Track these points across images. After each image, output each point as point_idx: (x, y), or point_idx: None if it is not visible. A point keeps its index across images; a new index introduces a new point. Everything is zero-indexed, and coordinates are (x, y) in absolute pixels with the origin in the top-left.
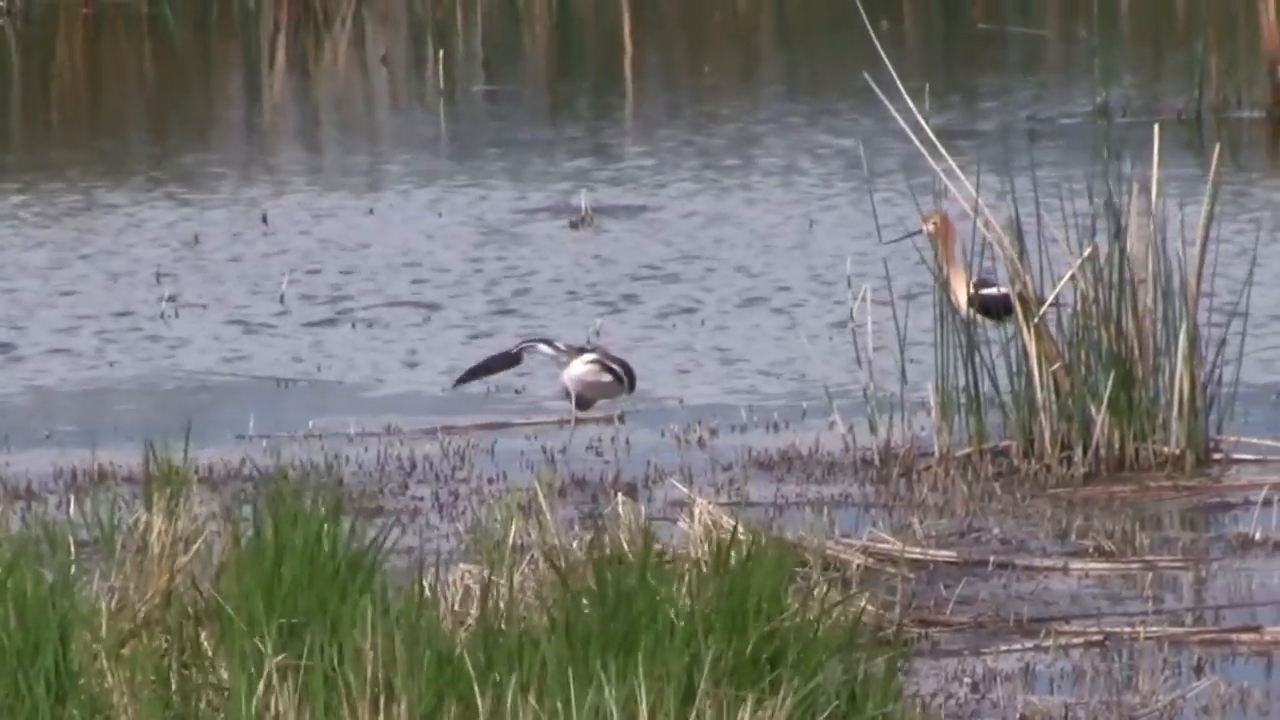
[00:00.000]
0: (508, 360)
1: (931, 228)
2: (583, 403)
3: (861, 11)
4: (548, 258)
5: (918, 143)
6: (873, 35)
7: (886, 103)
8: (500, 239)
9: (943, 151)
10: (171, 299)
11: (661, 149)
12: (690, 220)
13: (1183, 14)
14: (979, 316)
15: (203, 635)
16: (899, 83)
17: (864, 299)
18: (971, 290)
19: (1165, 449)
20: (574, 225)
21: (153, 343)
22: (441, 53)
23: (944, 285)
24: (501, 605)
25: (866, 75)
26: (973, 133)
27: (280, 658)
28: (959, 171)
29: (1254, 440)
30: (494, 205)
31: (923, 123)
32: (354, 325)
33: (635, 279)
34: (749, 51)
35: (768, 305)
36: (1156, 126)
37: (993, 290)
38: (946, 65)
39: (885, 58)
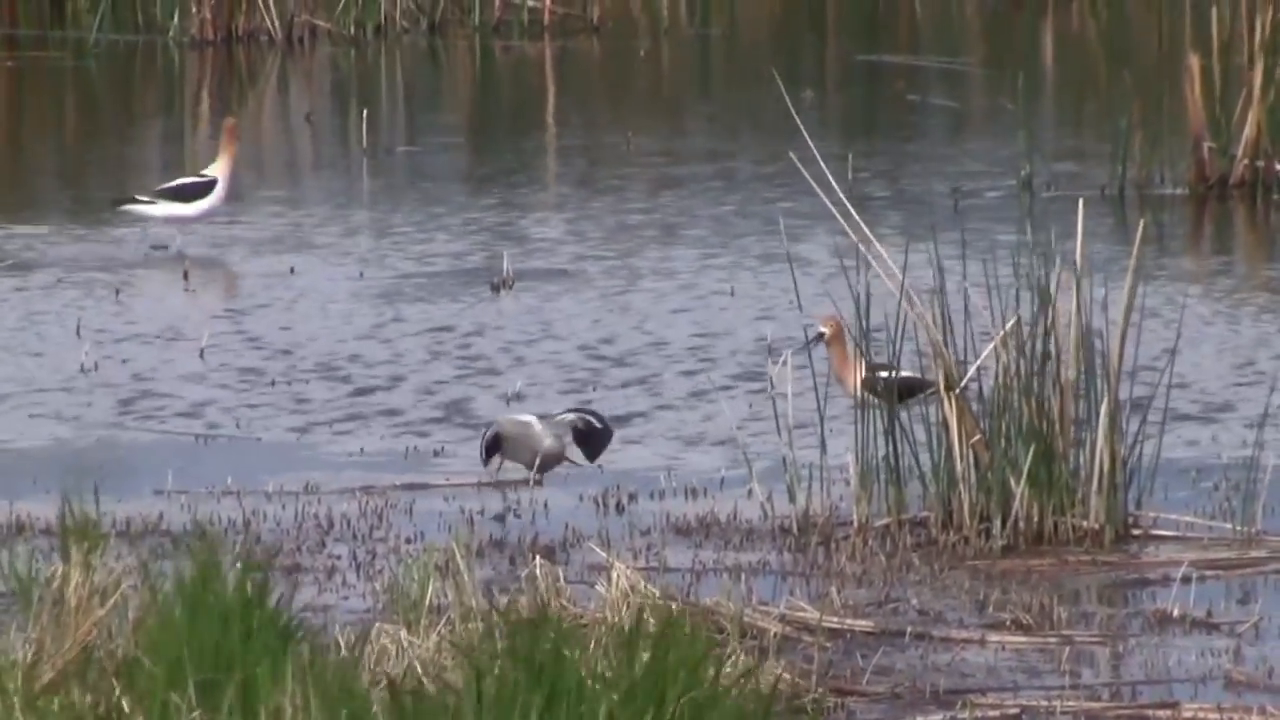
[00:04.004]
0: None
1: (827, 330)
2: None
3: (780, 83)
4: (469, 320)
5: (838, 216)
6: (790, 107)
7: (807, 177)
8: (421, 300)
9: (862, 225)
10: (91, 351)
11: (584, 213)
12: (611, 285)
13: (1107, 89)
14: (874, 399)
15: (120, 690)
16: (816, 153)
17: (784, 366)
18: (864, 375)
19: (1084, 523)
20: (495, 288)
21: (72, 395)
22: (365, 111)
23: (839, 382)
24: (418, 665)
25: (791, 155)
26: (896, 204)
27: (197, 714)
28: (878, 245)
29: (1173, 516)
30: (416, 266)
31: (842, 197)
32: (273, 383)
33: (555, 343)
34: (673, 116)
35: (687, 371)
36: (1080, 201)
37: (886, 374)
38: (871, 135)
39: (804, 128)
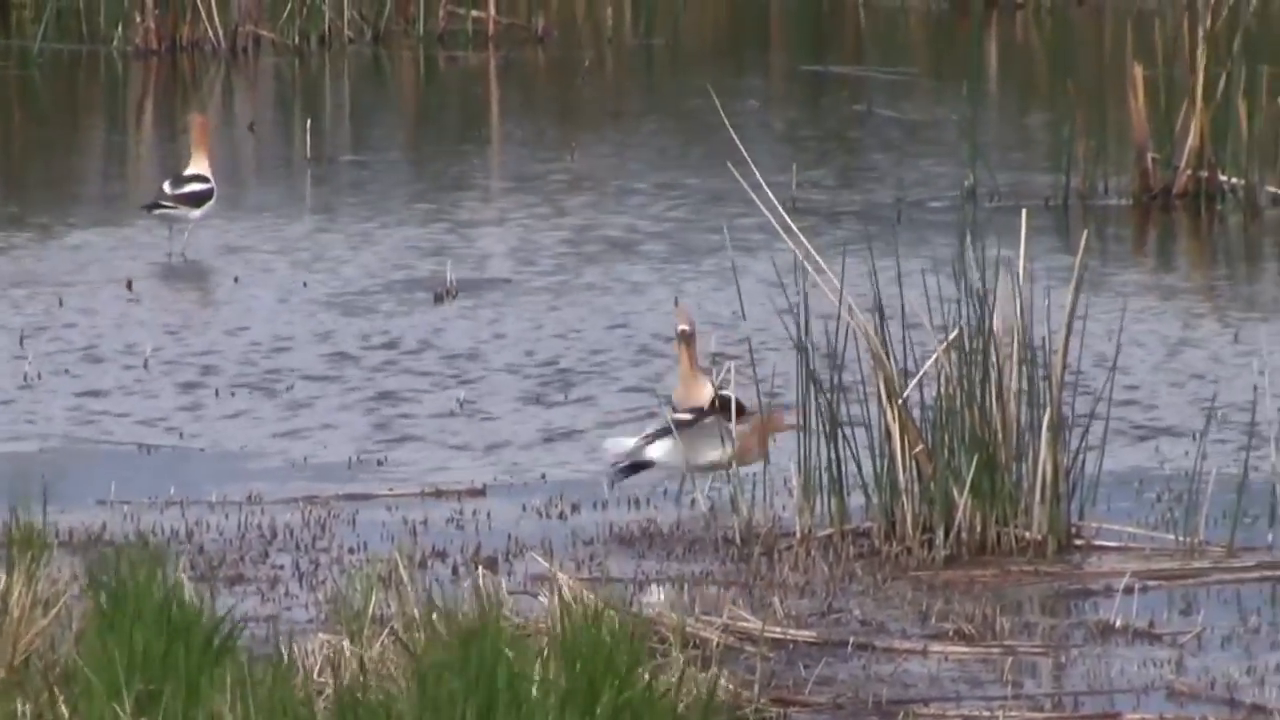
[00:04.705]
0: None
1: (684, 327)
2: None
3: (715, 99)
4: (411, 330)
5: (778, 227)
6: (725, 120)
7: (746, 188)
8: (365, 310)
9: (800, 236)
10: (34, 362)
11: (527, 223)
12: (554, 296)
13: (1051, 99)
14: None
15: (61, 699)
16: (751, 164)
17: (727, 377)
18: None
19: (1027, 534)
20: (438, 298)
21: (14, 406)
22: (309, 121)
23: (686, 389)
24: (361, 676)
25: (730, 166)
26: (840, 214)
27: None
28: (816, 255)
29: (1116, 527)
30: (358, 276)
31: (778, 206)
32: (217, 393)
33: (498, 353)
34: (617, 127)
35: (630, 380)
36: (1024, 212)
37: (727, 393)
38: (815, 146)
39: (748, 138)
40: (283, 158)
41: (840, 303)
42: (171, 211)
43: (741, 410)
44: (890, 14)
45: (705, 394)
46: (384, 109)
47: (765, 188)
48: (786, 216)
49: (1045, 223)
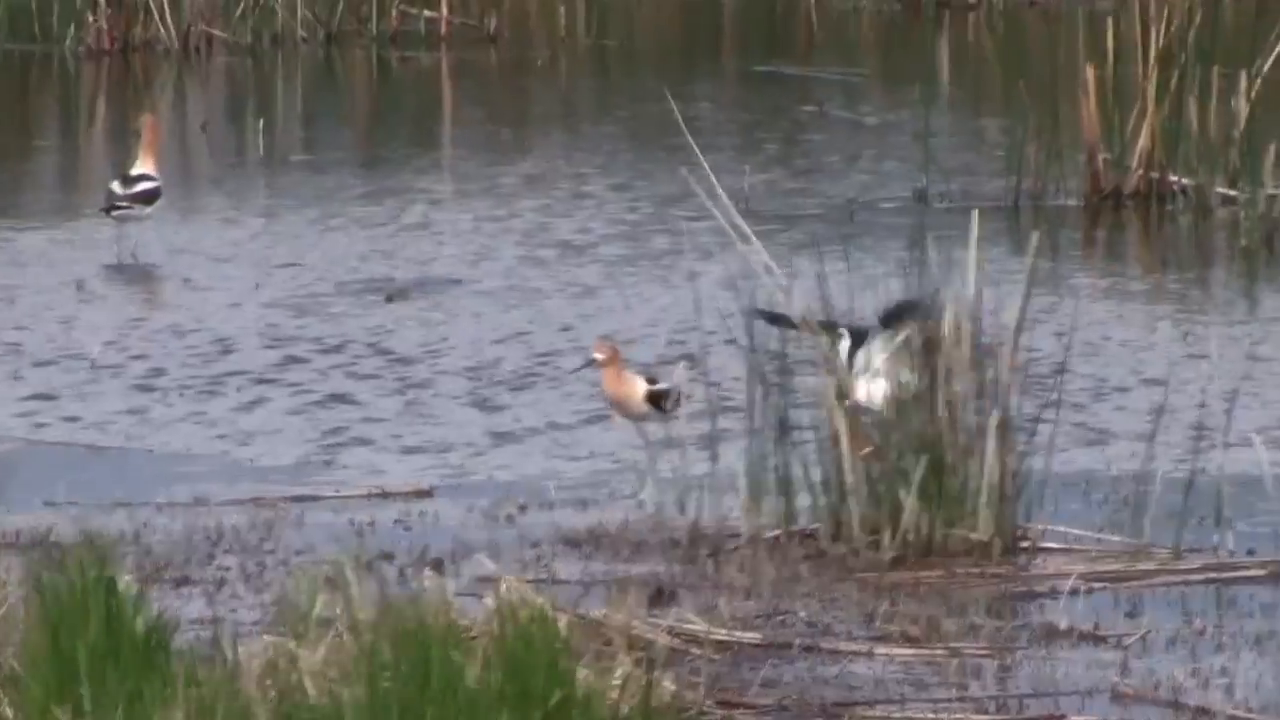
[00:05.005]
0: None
1: (601, 357)
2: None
3: (671, 101)
4: (361, 331)
5: (729, 229)
6: (680, 121)
7: (698, 190)
8: (316, 310)
9: (750, 236)
10: None
11: (478, 224)
12: (505, 297)
13: (1003, 101)
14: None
15: (5, 701)
16: (705, 165)
17: (679, 374)
18: (646, 390)
19: (973, 535)
20: (389, 299)
21: None
22: (262, 121)
23: (614, 399)
24: (306, 678)
25: (684, 168)
26: (792, 215)
27: None
28: (765, 255)
29: (1062, 529)
30: (309, 277)
31: (733, 212)
32: (165, 394)
33: (449, 353)
34: (571, 127)
35: (580, 382)
36: (975, 213)
37: (662, 385)
38: (767, 147)
39: (701, 138)
40: (235, 158)
41: (790, 303)
42: (129, 211)
43: (679, 399)
44: (842, 15)
45: (636, 391)
46: (337, 109)
47: (719, 190)
48: (739, 218)
49: (996, 224)
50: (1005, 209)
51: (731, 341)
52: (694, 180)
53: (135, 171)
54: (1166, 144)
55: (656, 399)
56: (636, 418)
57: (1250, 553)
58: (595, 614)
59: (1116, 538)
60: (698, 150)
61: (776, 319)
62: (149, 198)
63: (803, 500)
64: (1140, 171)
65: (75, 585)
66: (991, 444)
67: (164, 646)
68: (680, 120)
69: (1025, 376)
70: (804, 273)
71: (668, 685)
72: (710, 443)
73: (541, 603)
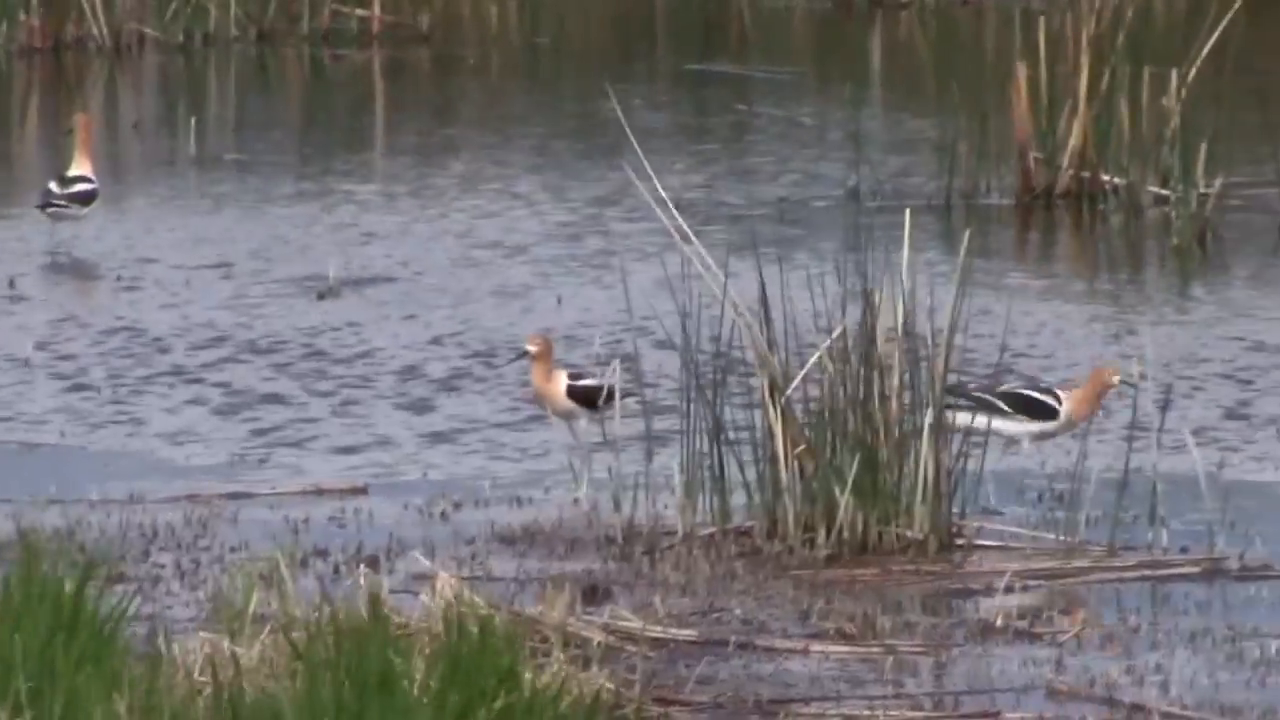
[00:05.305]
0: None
1: (534, 349)
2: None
3: (613, 97)
4: (295, 329)
5: (668, 225)
6: (621, 116)
7: (638, 184)
8: (248, 308)
9: (689, 233)
10: None
11: (411, 223)
12: (438, 295)
13: (935, 100)
14: (580, 408)
15: None
16: (645, 161)
17: (612, 372)
18: (567, 385)
19: (909, 533)
20: (321, 296)
21: None
22: (194, 119)
23: (540, 395)
24: (241, 674)
25: (625, 165)
26: (724, 213)
27: None
28: (704, 253)
29: (997, 526)
30: (242, 274)
31: (674, 212)
32: (99, 392)
33: (381, 352)
34: (504, 126)
35: (512, 377)
36: (907, 211)
37: (586, 382)
38: (700, 145)
39: (634, 137)
40: (167, 156)
41: (723, 302)
42: (64, 210)
43: (611, 396)
44: (775, 13)
45: (559, 388)
46: (269, 107)
47: (657, 185)
48: (678, 216)
49: (929, 222)
50: (937, 208)
51: (666, 342)
52: (636, 179)
53: (73, 173)
54: (1098, 143)
55: (580, 395)
56: (563, 414)
57: (1184, 550)
58: (531, 611)
59: (1051, 535)
60: (640, 151)
61: (973, 398)
62: (86, 199)
63: (738, 498)
64: (1072, 170)
65: (12, 582)
66: (926, 441)
67: (108, 645)
68: (623, 118)
69: (959, 374)
70: (737, 272)
71: (604, 683)
72: (646, 441)
73: (494, 609)
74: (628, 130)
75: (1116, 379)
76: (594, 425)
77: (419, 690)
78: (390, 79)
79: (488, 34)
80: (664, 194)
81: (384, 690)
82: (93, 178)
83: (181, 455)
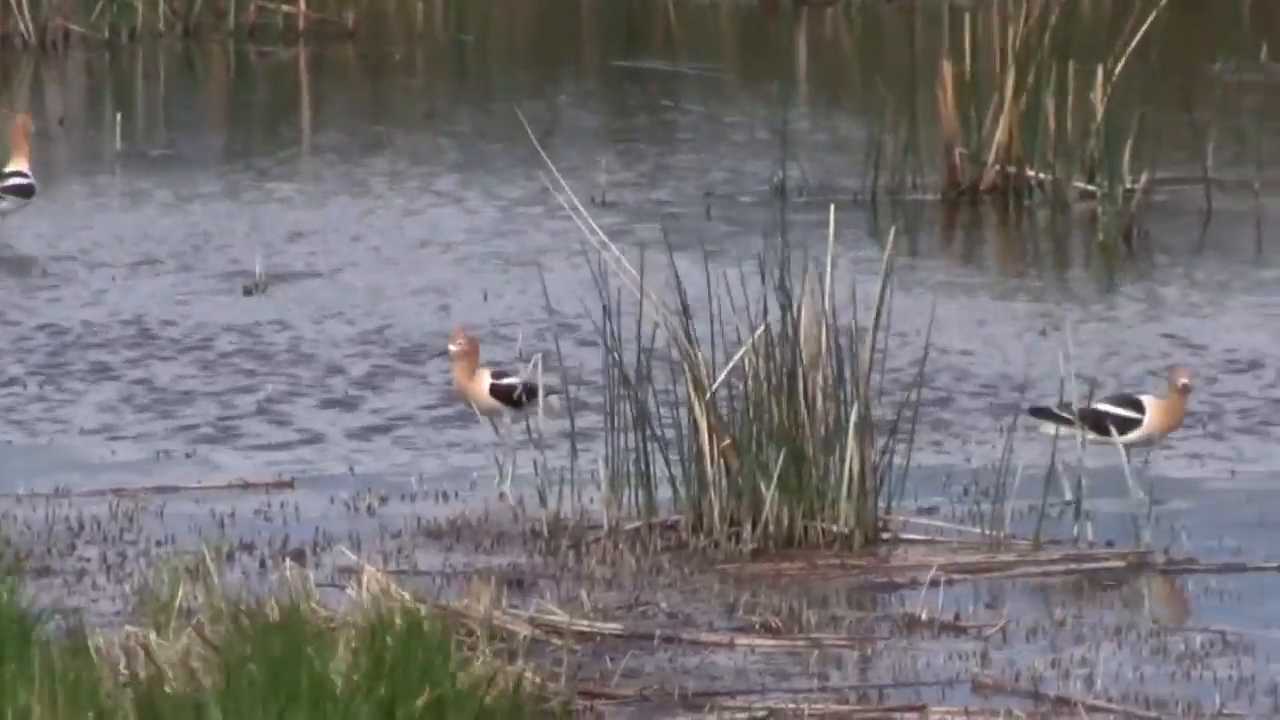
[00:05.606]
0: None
1: (455, 347)
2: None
3: (521, 118)
4: (221, 323)
5: (582, 225)
6: (521, 118)
7: (560, 179)
8: (175, 303)
9: (602, 235)
10: None
11: (338, 217)
12: (364, 290)
13: (861, 96)
14: (503, 405)
15: None
16: (548, 161)
17: (535, 369)
18: (490, 383)
19: (834, 527)
20: (248, 291)
21: None
22: (120, 116)
23: (462, 393)
24: (166, 668)
25: (543, 169)
26: (649, 209)
27: None
28: (620, 256)
29: (922, 520)
30: (169, 269)
31: (586, 215)
32: (25, 387)
33: (307, 346)
34: (429, 124)
35: (437, 374)
36: (832, 207)
37: (509, 380)
38: (625, 142)
39: (550, 138)
40: (93, 152)
41: (643, 297)
42: (1, 204)
43: (534, 393)
44: (700, 10)
45: (482, 387)
46: (195, 103)
47: (568, 192)
48: (586, 215)
49: (854, 218)
50: (863, 203)
51: (592, 339)
52: (548, 176)
53: (9, 169)
54: (1024, 139)
55: (503, 394)
56: (487, 411)
57: (1109, 544)
58: (457, 605)
59: (977, 529)
60: (544, 154)
61: (1053, 416)
62: (22, 191)
63: (664, 493)
64: (998, 166)
65: None
66: (851, 436)
67: (32, 638)
68: (527, 127)
69: (884, 369)
70: (660, 268)
71: (530, 676)
72: (571, 436)
73: (420, 603)
74: (533, 139)
75: (1183, 380)
76: (519, 422)
77: (345, 684)
78: (316, 75)
79: (413, 31)
80: (590, 192)
81: (307, 682)
82: (29, 174)
83: (108, 450)
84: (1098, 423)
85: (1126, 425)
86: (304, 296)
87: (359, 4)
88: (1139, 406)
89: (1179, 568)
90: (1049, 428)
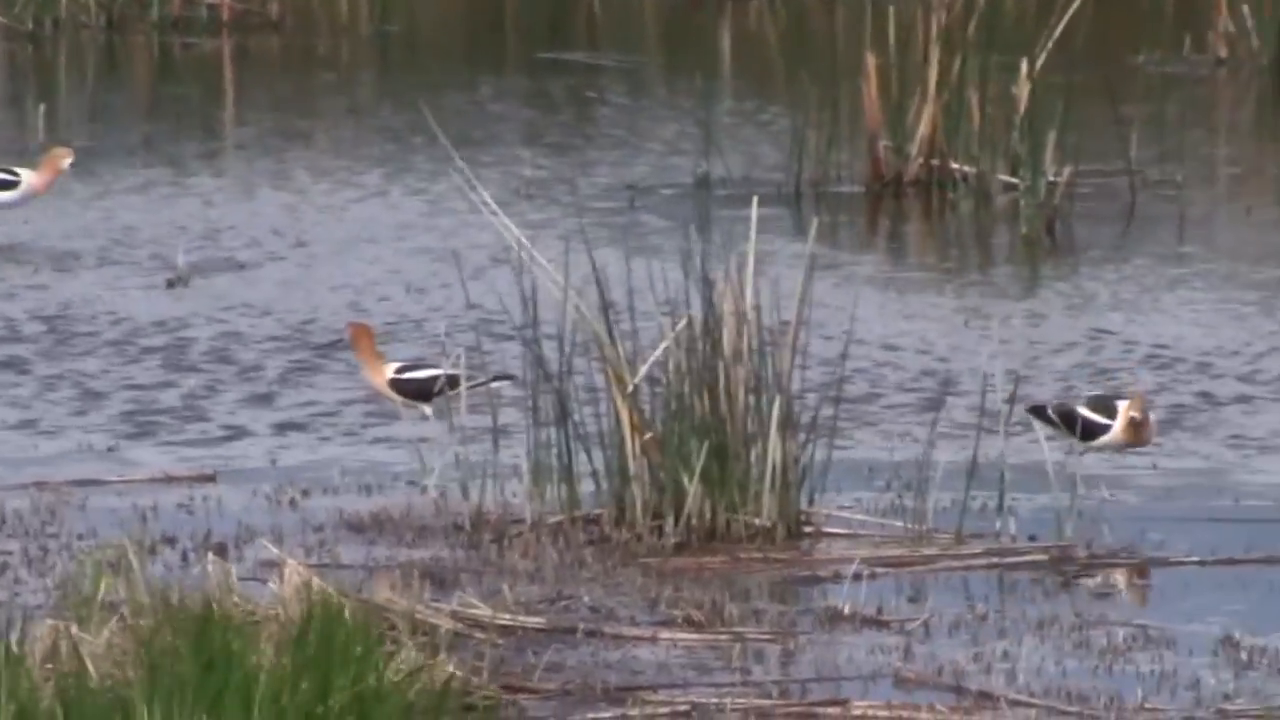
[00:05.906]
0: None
1: (347, 337)
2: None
3: (430, 120)
4: (143, 315)
5: (494, 222)
6: (430, 120)
7: (473, 180)
8: (97, 296)
9: (517, 233)
10: None
11: (260, 213)
12: (286, 284)
13: (785, 88)
14: (403, 398)
15: None
16: (455, 157)
17: (457, 363)
18: (391, 377)
19: (756, 521)
20: (170, 284)
21: None
22: (43, 107)
23: (370, 388)
24: (89, 661)
25: (456, 154)
26: (571, 202)
27: None
28: (537, 257)
29: (845, 514)
30: (91, 262)
31: (499, 211)
32: None
33: (232, 338)
34: (353, 117)
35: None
36: (755, 200)
37: (412, 374)
38: (548, 134)
39: (471, 130)
40: (16, 143)
41: (565, 291)
42: None
43: (446, 386)
44: (624, 2)
45: (383, 380)
46: (118, 94)
47: (486, 197)
48: (502, 213)
49: (777, 210)
50: (787, 196)
51: (513, 333)
52: (468, 170)
53: None
54: (948, 131)
55: (407, 387)
56: (399, 403)
57: (1032, 538)
58: (379, 599)
59: (899, 523)
60: (453, 151)
61: (1048, 417)
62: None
63: (587, 486)
64: (921, 159)
65: None
66: (774, 430)
67: None
68: (435, 126)
69: (806, 362)
70: (583, 263)
71: (453, 670)
72: (494, 429)
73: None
74: (443, 139)
75: (1133, 413)
76: (440, 415)
77: (269, 678)
78: (240, 68)
79: (338, 23)
80: (513, 185)
81: (229, 676)
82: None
83: (30, 443)
84: (1069, 424)
85: (1093, 431)
86: (226, 290)
87: None
88: (1111, 413)
89: (1101, 562)
90: (1042, 428)
